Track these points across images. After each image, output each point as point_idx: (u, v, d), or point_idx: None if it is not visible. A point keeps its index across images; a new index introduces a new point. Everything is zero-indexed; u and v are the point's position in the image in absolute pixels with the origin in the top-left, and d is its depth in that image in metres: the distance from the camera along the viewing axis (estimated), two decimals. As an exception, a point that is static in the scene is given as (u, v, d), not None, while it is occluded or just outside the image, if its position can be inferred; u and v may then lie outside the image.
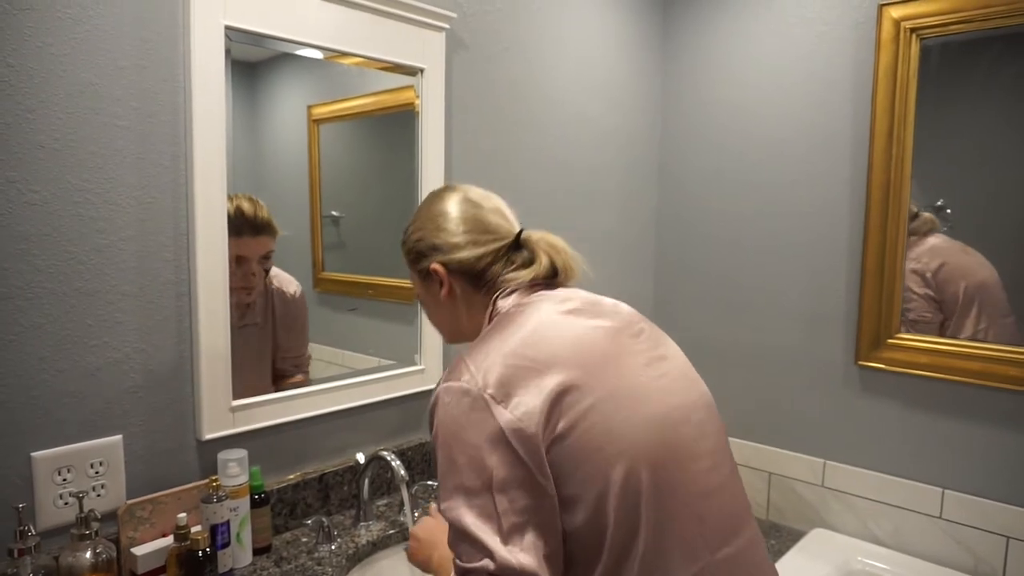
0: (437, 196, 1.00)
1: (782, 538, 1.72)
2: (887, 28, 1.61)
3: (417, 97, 1.49)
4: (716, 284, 2.00)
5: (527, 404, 0.77)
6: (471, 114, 1.63)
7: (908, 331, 1.65)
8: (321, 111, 1.39)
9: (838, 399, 1.78)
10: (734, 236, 1.95)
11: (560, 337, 0.84)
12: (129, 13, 1.09)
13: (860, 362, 1.72)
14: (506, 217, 0.98)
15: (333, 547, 1.30)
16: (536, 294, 0.91)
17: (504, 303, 0.92)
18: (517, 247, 0.96)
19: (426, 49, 1.48)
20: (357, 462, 1.43)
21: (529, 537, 0.75)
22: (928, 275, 1.62)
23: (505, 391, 0.78)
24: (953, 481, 1.61)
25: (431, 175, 1.53)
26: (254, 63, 1.28)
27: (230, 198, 1.23)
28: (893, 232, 1.64)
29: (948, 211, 1.58)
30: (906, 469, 1.68)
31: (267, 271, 1.34)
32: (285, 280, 1.38)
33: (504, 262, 0.94)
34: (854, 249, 1.73)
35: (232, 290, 1.25)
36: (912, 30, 1.58)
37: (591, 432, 0.77)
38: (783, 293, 1.86)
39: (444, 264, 0.95)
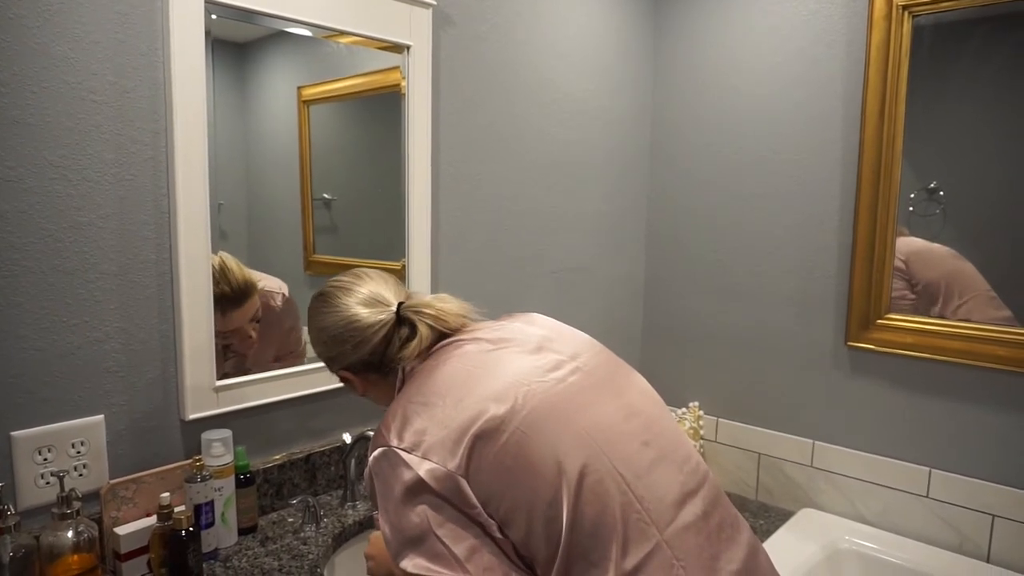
0: (316, 311, 1.03)
1: (771, 518, 1.73)
2: (879, 5, 1.60)
3: (403, 77, 1.47)
4: (707, 265, 1.99)
5: (436, 446, 0.81)
6: (459, 93, 1.61)
7: (897, 311, 1.65)
8: (311, 92, 1.38)
9: (828, 380, 1.78)
10: (725, 216, 1.94)
11: (461, 373, 0.88)
12: (105, -15, 1.07)
13: (850, 343, 1.71)
14: (380, 300, 1.00)
15: (320, 527, 1.30)
16: (431, 353, 0.95)
17: (409, 368, 0.97)
18: (400, 321, 0.98)
19: (413, 26, 1.46)
20: (344, 442, 1.42)
21: (487, 555, 0.79)
22: (900, 263, 1.63)
23: (414, 440, 0.82)
24: (940, 461, 1.62)
25: (417, 155, 1.51)
26: (243, 44, 1.26)
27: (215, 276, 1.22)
28: (884, 212, 1.63)
29: (941, 193, 1.58)
30: (894, 449, 1.68)
31: (259, 321, 1.33)
32: (268, 294, 1.36)
33: (395, 341, 0.98)
34: (845, 229, 1.72)
35: (234, 353, 1.28)
36: (904, 7, 1.57)
37: (507, 454, 0.80)
38: (773, 273, 1.86)
39: (346, 368, 1.01)
